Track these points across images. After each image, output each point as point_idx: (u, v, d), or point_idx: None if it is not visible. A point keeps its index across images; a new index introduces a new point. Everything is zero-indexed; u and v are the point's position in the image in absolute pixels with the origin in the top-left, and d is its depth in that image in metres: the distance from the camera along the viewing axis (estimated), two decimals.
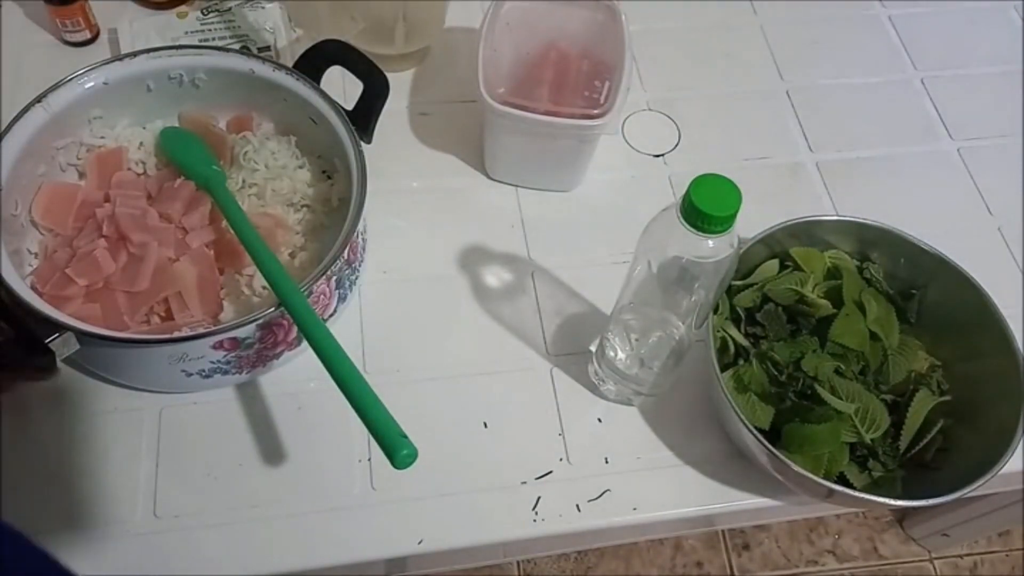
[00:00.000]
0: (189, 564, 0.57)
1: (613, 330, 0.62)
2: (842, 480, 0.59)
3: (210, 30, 0.80)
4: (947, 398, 0.63)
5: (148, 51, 0.65)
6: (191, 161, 0.65)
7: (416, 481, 0.61)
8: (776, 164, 0.81)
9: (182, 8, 0.81)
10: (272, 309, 0.55)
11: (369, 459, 0.62)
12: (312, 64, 0.66)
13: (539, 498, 0.62)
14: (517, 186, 0.76)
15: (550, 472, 0.63)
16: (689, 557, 1.33)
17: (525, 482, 0.62)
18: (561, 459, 0.64)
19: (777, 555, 1.34)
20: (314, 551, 0.58)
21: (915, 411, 0.61)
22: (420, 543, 0.59)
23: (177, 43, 0.67)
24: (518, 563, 1.29)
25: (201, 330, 0.55)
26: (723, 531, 1.34)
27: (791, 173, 0.81)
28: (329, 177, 0.69)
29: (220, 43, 0.80)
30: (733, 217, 0.47)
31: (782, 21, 0.91)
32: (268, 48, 0.80)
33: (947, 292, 0.64)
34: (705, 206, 0.46)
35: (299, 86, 0.65)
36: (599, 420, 0.66)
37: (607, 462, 0.64)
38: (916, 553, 1.35)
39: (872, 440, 0.60)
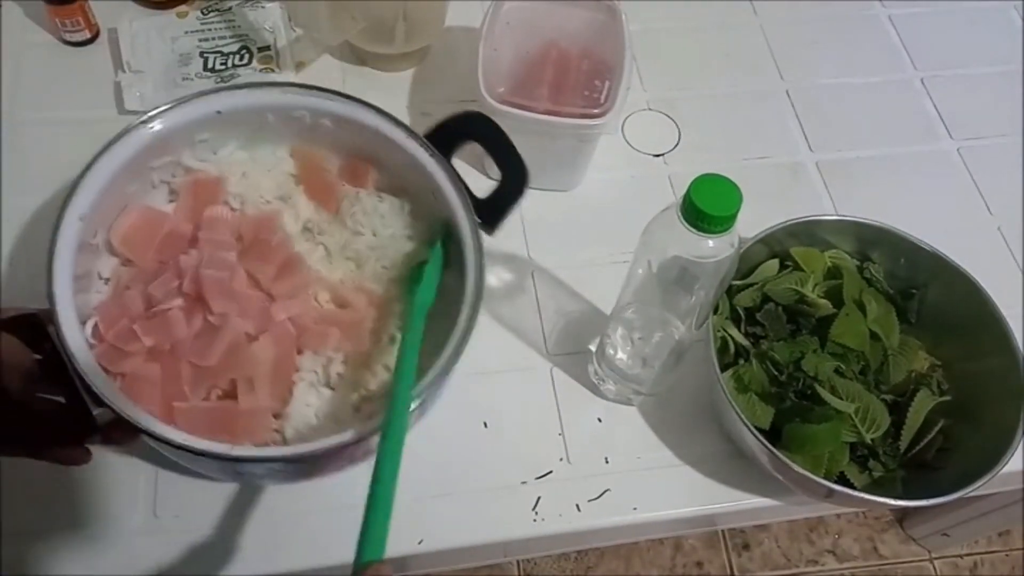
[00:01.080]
0: (189, 564, 0.57)
1: (613, 330, 0.62)
2: (842, 480, 0.60)
3: (210, 30, 0.80)
4: (947, 398, 0.63)
5: (277, 84, 0.61)
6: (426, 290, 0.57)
7: (416, 481, 0.61)
8: (776, 164, 0.81)
9: (182, 8, 0.81)
10: (349, 436, 0.49)
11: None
12: (448, 135, 0.60)
13: (539, 498, 0.62)
14: None
15: (550, 472, 0.63)
16: (689, 557, 1.33)
17: (525, 482, 0.62)
18: (561, 459, 0.64)
19: (777, 555, 1.34)
20: (314, 551, 0.58)
21: (915, 411, 0.61)
22: (420, 543, 0.59)
23: (308, 84, 0.60)
24: (518, 563, 1.29)
25: (265, 453, 0.50)
26: (723, 531, 1.34)
27: (791, 173, 0.81)
28: None
29: (219, 43, 0.80)
30: (733, 217, 0.47)
31: (782, 21, 0.91)
32: (268, 48, 0.80)
33: (947, 292, 0.64)
34: (705, 206, 0.46)
35: (428, 159, 0.59)
36: (599, 420, 0.66)
37: (607, 462, 0.64)
38: (916, 553, 1.35)
39: (872, 440, 0.60)
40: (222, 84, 0.60)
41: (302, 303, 0.58)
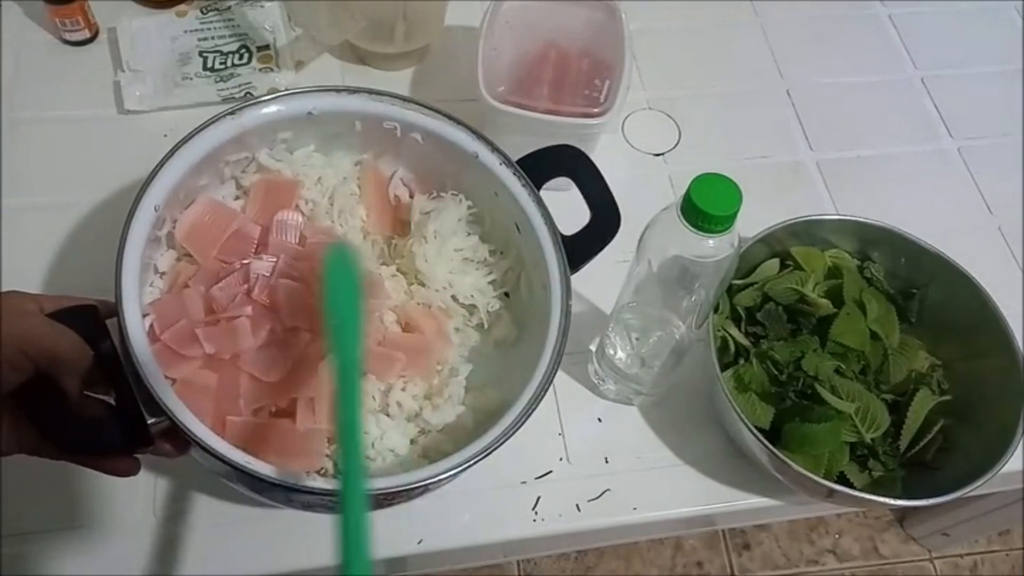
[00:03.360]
0: (188, 564, 0.57)
1: (613, 329, 0.62)
2: (842, 480, 0.59)
3: (209, 29, 0.80)
4: (947, 398, 0.63)
5: (373, 92, 0.58)
6: (343, 320, 0.46)
7: None
8: (776, 163, 0.81)
9: (181, 7, 0.81)
10: (411, 479, 0.47)
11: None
12: (540, 166, 0.58)
13: (539, 498, 0.62)
14: None
15: (550, 472, 0.63)
16: (689, 557, 1.33)
17: (525, 482, 0.62)
18: (561, 459, 0.64)
19: (777, 555, 1.34)
20: (314, 551, 0.58)
21: (915, 411, 0.61)
22: (420, 543, 0.59)
23: (406, 96, 0.59)
24: (518, 563, 1.29)
25: (322, 484, 0.46)
26: (723, 531, 1.34)
27: (791, 172, 0.81)
28: (507, 294, 0.61)
29: (219, 42, 0.79)
30: (734, 216, 0.47)
31: (782, 20, 0.91)
32: (267, 47, 0.80)
33: (948, 292, 0.64)
34: (706, 205, 0.46)
35: (519, 188, 0.57)
36: (599, 420, 0.66)
37: (607, 462, 0.64)
38: (916, 552, 1.35)
39: (872, 440, 0.60)
40: (315, 86, 0.58)
41: (372, 326, 0.56)
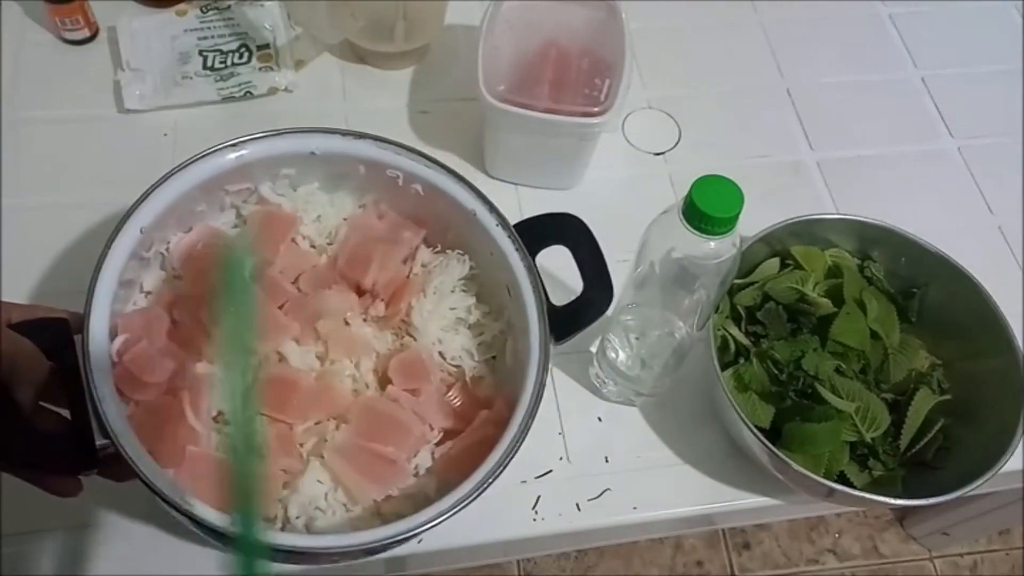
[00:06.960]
0: (188, 564, 0.57)
1: (614, 330, 0.62)
2: (842, 479, 0.59)
3: (209, 28, 0.80)
4: (947, 397, 0.63)
5: (378, 139, 0.59)
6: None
7: None
8: (777, 162, 0.81)
9: (181, 6, 0.81)
10: (358, 540, 0.46)
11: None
12: (539, 232, 0.57)
13: (539, 497, 0.62)
14: (517, 184, 0.76)
15: (550, 471, 0.63)
16: (689, 556, 1.33)
17: (525, 481, 0.62)
18: (561, 458, 0.64)
19: (777, 554, 1.34)
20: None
21: (916, 410, 0.61)
22: (420, 543, 0.59)
23: (411, 147, 0.59)
24: (518, 562, 1.29)
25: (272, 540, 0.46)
26: (723, 530, 1.34)
27: (792, 171, 0.81)
28: (493, 357, 0.61)
29: (219, 41, 0.79)
30: (735, 219, 0.47)
31: (782, 20, 0.91)
32: (267, 46, 0.79)
33: (948, 291, 0.64)
34: (707, 207, 0.46)
35: (512, 252, 0.56)
36: (599, 419, 0.66)
37: (607, 461, 0.64)
38: (916, 552, 1.35)
39: (872, 439, 0.60)
40: (321, 127, 0.58)
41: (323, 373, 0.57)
